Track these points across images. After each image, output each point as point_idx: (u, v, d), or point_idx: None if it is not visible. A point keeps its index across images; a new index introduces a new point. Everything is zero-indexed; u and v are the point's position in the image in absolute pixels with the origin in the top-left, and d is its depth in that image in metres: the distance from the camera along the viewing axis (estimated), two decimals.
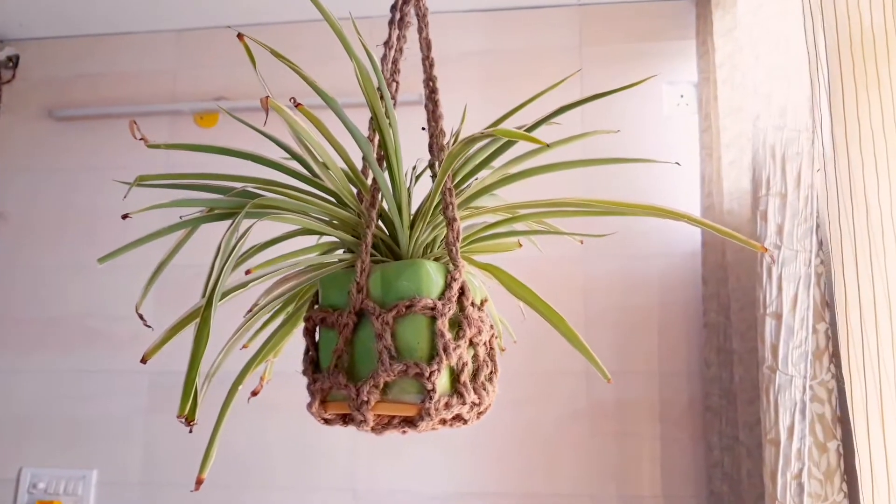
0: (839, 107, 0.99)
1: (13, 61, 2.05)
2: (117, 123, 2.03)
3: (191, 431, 0.53)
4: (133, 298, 0.64)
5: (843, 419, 1.24)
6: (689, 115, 1.86)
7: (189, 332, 0.58)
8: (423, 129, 0.72)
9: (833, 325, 1.25)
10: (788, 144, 1.30)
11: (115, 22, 2.02)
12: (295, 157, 0.69)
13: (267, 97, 0.54)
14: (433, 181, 0.70)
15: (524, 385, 1.78)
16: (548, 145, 0.48)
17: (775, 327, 1.27)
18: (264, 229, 0.79)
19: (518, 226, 0.73)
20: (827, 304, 1.28)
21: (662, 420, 1.75)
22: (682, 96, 1.88)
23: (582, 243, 0.77)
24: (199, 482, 0.68)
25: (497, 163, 0.75)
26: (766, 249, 0.57)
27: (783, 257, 1.28)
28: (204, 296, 0.54)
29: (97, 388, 1.91)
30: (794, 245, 1.27)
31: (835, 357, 1.26)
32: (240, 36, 0.56)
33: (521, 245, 0.75)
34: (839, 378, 1.24)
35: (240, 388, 0.67)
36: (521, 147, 0.78)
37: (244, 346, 0.81)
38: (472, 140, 0.56)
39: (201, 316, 0.53)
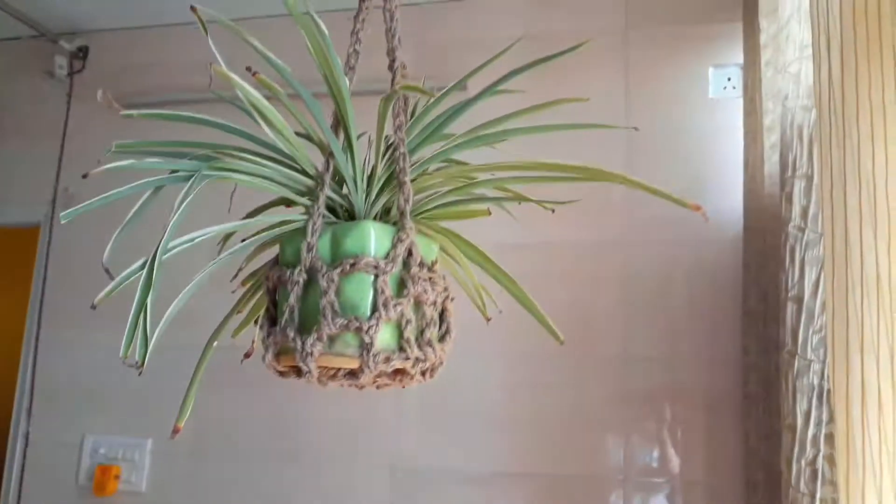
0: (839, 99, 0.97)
1: (83, 52, 2.18)
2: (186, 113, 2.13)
3: (140, 374, 0.57)
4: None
5: None
6: (735, 98, 1.82)
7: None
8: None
9: None
10: (816, 125, 1.26)
11: (183, 12, 2.12)
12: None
13: (211, 63, 0.57)
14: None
15: (566, 370, 1.78)
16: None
17: (795, 311, 1.24)
18: (245, 204, 0.84)
19: (485, 192, 0.75)
20: None
21: (701, 406, 1.73)
22: (728, 79, 1.84)
23: (553, 212, 0.78)
24: (175, 431, 0.73)
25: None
26: (699, 208, 0.57)
27: (807, 240, 1.24)
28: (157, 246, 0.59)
29: (153, 363, 2.01)
30: (819, 228, 1.23)
31: None
32: (192, 8, 0.60)
33: (489, 212, 0.77)
34: None
35: (215, 343, 0.72)
36: (500, 108, 0.80)
37: (238, 311, 0.86)
38: (392, 95, 0.59)
39: (147, 266, 0.58)
